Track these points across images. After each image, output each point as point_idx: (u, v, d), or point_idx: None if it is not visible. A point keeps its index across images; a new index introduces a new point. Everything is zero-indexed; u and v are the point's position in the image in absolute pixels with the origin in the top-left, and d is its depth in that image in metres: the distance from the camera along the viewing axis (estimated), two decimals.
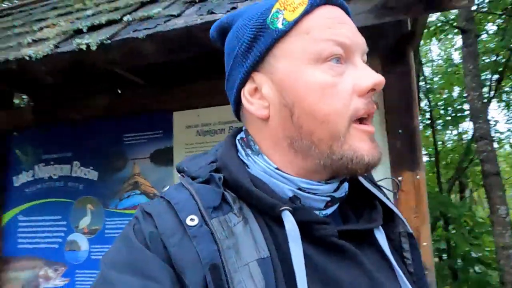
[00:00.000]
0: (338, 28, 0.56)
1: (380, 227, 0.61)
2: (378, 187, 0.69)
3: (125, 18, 1.51)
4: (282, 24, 0.56)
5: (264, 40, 0.57)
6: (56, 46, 1.47)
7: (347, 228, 0.58)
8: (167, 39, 1.30)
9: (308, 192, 0.58)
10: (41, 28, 1.77)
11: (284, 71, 0.57)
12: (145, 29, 1.36)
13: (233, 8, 1.28)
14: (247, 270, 0.49)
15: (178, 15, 1.38)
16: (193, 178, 0.59)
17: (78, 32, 1.55)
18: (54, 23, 1.75)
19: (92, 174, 2.43)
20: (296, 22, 0.56)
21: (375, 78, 0.55)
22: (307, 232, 0.54)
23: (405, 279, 0.57)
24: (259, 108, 0.59)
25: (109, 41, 1.36)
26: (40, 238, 2.49)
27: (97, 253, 2.34)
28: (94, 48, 1.36)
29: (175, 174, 2.20)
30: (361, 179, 0.65)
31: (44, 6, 2.53)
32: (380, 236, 0.60)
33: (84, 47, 1.37)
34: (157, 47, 1.34)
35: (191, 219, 0.52)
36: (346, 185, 0.63)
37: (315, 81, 0.55)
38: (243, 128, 0.66)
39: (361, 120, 0.57)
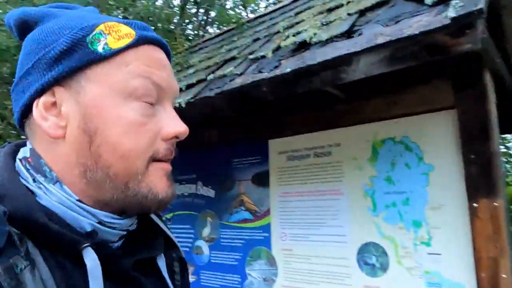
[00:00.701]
0: (159, 70, 0.58)
1: (162, 255, 0.64)
2: (158, 216, 0.71)
3: (208, 77, 1.93)
4: (103, 49, 0.55)
5: (79, 58, 0.54)
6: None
7: (136, 258, 0.59)
8: (229, 96, 1.67)
9: (108, 226, 0.56)
10: None
11: (94, 96, 0.55)
12: (217, 87, 1.76)
13: (276, 67, 1.56)
14: None
15: (241, 74, 1.73)
16: None
17: (180, 91, 2.05)
18: None
19: (211, 192, 2.97)
20: (119, 52, 0.56)
21: (181, 128, 0.59)
22: (105, 268, 0.52)
23: None
24: (53, 127, 0.55)
25: (192, 100, 1.80)
26: (178, 242, 3.16)
27: (215, 258, 2.85)
28: (183, 105, 1.82)
29: (271, 195, 2.55)
30: None
31: None
32: (162, 263, 0.63)
33: (177, 105, 1.84)
34: (225, 102, 1.71)
35: None
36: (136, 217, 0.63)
37: (125, 116, 0.55)
38: (29, 148, 0.58)
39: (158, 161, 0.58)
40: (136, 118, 0.55)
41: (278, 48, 1.72)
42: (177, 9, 4.73)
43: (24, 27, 0.59)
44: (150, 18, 3.32)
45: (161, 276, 0.63)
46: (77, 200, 0.54)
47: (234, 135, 2.81)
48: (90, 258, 0.50)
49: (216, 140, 2.91)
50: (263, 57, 1.75)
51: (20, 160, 0.57)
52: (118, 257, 0.57)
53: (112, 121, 0.54)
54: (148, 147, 0.56)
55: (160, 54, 0.60)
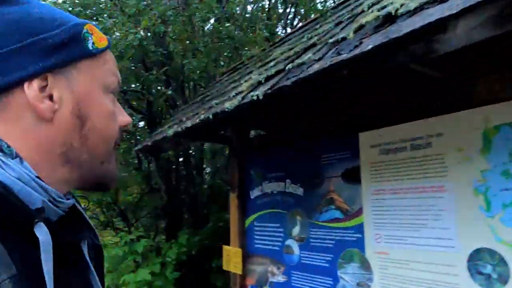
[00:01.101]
0: (117, 70, 0.70)
1: (86, 241, 0.67)
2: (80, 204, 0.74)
3: (287, 67, 1.83)
4: (92, 47, 0.64)
5: (76, 51, 0.61)
6: (243, 98, 1.94)
7: (71, 239, 0.63)
8: (307, 83, 1.54)
9: (55, 205, 0.58)
10: (246, 81, 2.33)
11: (86, 87, 0.62)
12: (294, 76, 1.65)
13: (356, 46, 1.39)
14: None
15: (319, 59, 1.59)
16: None
17: (259, 84, 1.99)
18: (253, 76, 2.28)
19: (299, 190, 2.86)
20: (102, 51, 0.66)
21: (130, 119, 0.71)
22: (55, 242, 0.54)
23: (99, 283, 0.67)
24: (48, 109, 0.58)
25: (269, 91, 1.72)
26: (267, 241, 3.12)
27: (306, 258, 2.73)
28: (261, 97, 1.75)
29: (363, 192, 2.34)
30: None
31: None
32: (85, 249, 0.66)
33: (255, 97, 1.78)
34: (302, 90, 1.60)
35: None
36: None
37: (106, 106, 0.65)
38: None
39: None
40: (112, 108, 0.66)
41: (361, 27, 1.54)
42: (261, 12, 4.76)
43: None
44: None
45: (83, 260, 0.66)
46: (36, 177, 0.56)
47: (322, 129, 2.65)
48: (42, 233, 0.52)
49: (303, 135, 2.79)
50: (343, 39, 1.59)
51: None
52: (61, 235, 0.58)
53: (98, 110, 0.64)
54: (117, 133, 0.67)
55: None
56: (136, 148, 3.30)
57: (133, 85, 4.52)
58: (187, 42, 3.32)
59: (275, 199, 3.08)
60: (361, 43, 1.39)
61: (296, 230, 2.84)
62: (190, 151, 5.27)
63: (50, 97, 0.59)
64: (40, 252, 0.51)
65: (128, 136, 5.40)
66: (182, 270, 4.29)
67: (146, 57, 3.71)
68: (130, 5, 2.83)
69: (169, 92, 3.78)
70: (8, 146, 0.56)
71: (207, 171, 6.06)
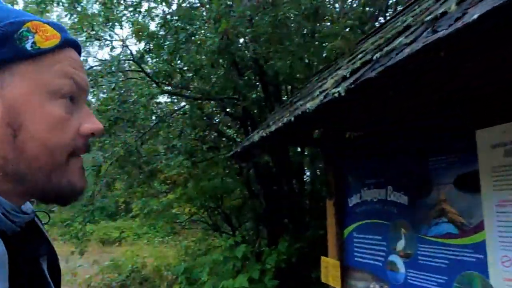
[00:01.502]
0: (79, 71, 0.62)
1: (45, 257, 0.65)
2: (41, 222, 0.73)
3: (374, 57, 1.56)
4: (32, 48, 0.56)
5: (6, 52, 0.55)
6: (325, 96, 1.73)
7: (28, 254, 0.59)
8: (393, 72, 1.26)
9: (10, 219, 0.56)
10: (332, 77, 2.10)
11: (22, 92, 0.56)
12: (380, 65, 1.38)
13: (458, 19, 1.08)
14: None
15: (411, 42, 1.30)
16: None
17: (343, 79, 1.76)
18: (339, 71, 2.04)
19: (403, 199, 2.49)
20: (47, 52, 0.58)
21: (98, 125, 0.62)
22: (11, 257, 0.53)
23: None
24: None
25: (352, 85, 1.48)
26: (368, 254, 2.80)
27: (413, 278, 2.36)
28: (343, 93, 1.52)
29: (484, 203, 1.90)
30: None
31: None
32: (45, 265, 0.64)
33: (336, 94, 1.56)
34: (389, 81, 1.32)
35: None
36: None
37: (51, 113, 0.57)
38: None
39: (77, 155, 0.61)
40: (61, 114, 0.58)
41: None
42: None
43: None
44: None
45: (44, 277, 0.64)
46: None
47: (428, 126, 2.26)
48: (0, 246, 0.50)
49: (406, 134, 2.42)
50: (443, 14, 1.26)
51: None
52: (17, 250, 0.55)
53: (38, 117, 0.56)
54: (70, 142, 0.59)
55: (78, 58, 0.64)
56: (228, 155, 3.30)
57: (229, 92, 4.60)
58: (274, 43, 3.21)
59: (375, 208, 2.75)
60: (464, 14, 1.07)
61: (400, 245, 2.47)
62: (289, 155, 5.15)
63: None
64: None
65: (230, 143, 5.55)
66: (281, 278, 4.18)
67: (237, 62, 3.73)
68: (211, 9, 2.84)
69: (253, 96, 3.72)
70: None
71: (308, 176, 5.88)
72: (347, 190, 3.07)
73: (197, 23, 3.12)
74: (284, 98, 4.73)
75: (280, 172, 5.11)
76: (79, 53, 0.66)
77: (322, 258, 3.20)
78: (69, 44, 0.62)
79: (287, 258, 4.29)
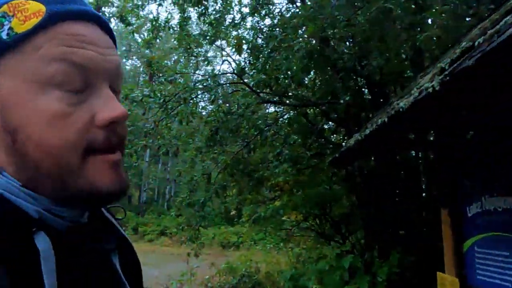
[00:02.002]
0: (81, 47, 0.48)
1: (117, 252, 0.60)
2: (113, 216, 0.68)
3: (476, 42, 1.35)
4: (8, 35, 0.47)
5: None
6: (420, 93, 1.56)
7: (89, 250, 0.55)
8: (493, 57, 1.06)
9: (56, 215, 0.52)
10: (430, 72, 1.89)
11: (9, 91, 0.48)
12: (480, 51, 1.18)
13: None
14: None
15: None
16: None
17: (441, 71, 1.55)
18: (439, 64, 1.82)
19: None
20: (27, 36, 0.47)
21: (115, 112, 0.49)
22: (57, 256, 0.48)
23: None
24: None
25: (446, 78, 1.30)
26: (495, 273, 2.40)
27: None
28: (437, 87, 1.35)
29: None
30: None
31: None
32: (116, 260, 0.59)
33: (430, 90, 1.39)
34: (487, 69, 1.11)
35: None
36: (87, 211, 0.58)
37: (45, 109, 0.47)
38: None
39: (103, 151, 0.50)
40: (58, 108, 0.48)
41: None
42: None
43: None
44: None
45: (115, 272, 0.59)
46: (21, 186, 0.49)
47: None
48: (43, 242, 0.47)
49: None
50: None
51: None
52: (69, 247, 0.52)
53: (32, 116, 0.48)
54: (78, 139, 0.49)
55: (85, 30, 0.50)
56: (328, 160, 3.20)
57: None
58: (372, 40, 3.02)
59: (502, 219, 2.35)
60: None
61: None
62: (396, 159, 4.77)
63: None
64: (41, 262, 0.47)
65: (335, 148, 5.40)
66: None
67: (334, 65, 3.61)
68: (299, 15, 2.81)
69: (355, 99, 3.53)
70: None
71: (423, 181, 5.35)
72: (465, 198, 2.70)
73: (288, 30, 3.12)
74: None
75: (389, 178, 4.77)
76: (101, 25, 0.54)
77: (438, 274, 2.85)
78: (64, 16, 0.49)
79: (400, 271, 3.95)
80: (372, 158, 4.65)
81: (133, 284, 0.63)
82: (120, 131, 0.53)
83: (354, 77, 4.24)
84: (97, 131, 0.50)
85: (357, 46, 3.27)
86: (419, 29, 2.75)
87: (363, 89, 4.77)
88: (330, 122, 5.49)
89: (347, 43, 3.37)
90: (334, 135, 6.28)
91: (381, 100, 4.44)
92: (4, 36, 0.47)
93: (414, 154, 4.93)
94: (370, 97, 4.68)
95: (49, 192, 0.50)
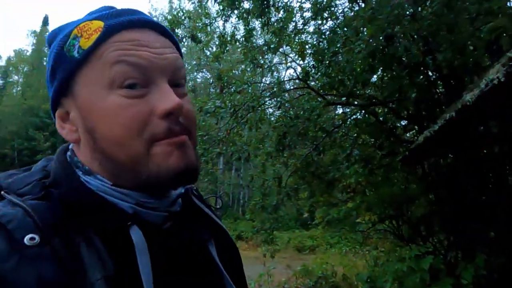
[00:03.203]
0: (135, 50, 0.56)
1: (212, 241, 0.65)
2: (207, 205, 0.72)
3: None
4: (78, 53, 0.56)
5: (63, 69, 0.58)
6: (487, 85, 1.54)
7: (184, 240, 0.61)
8: None
9: (148, 208, 0.59)
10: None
11: (85, 97, 0.57)
12: None
13: None
14: None
15: None
16: (20, 196, 0.55)
17: (510, 60, 1.51)
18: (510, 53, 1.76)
19: None
20: (91, 50, 0.56)
21: (169, 103, 0.55)
22: (153, 247, 0.54)
23: (232, 284, 0.63)
24: (69, 133, 0.61)
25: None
26: None
27: None
28: (502, 79, 1.34)
29: None
30: (193, 197, 0.68)
31: None
32: (213, 249, 0.64)
33: (496, 81, 1.38)
34: None
35: (31, 238, 0.49)
36: (179, 200, 0.65)
37: (110, 106, 0.55)
38: (69, 147, 0.65)
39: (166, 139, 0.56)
40: (121, 103, 0.55)
41: None
42: None
43: (49, 46, 0.66)
44: None
45: (212, 261, 0.64)
46: (112, 185, 0.58)
47: None
48: (137, 235, 0.54)
49: None
50: None
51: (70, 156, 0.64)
52: (165, 238, 0.59)
53: (102, 115, 0.56)
54: (141, 129, 0.55)
55: (138, 35, 0.58)
56: (398, 158, 3.14)
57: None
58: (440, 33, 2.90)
59: None
60: None
61: None
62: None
63: (70, 120, 0.61)
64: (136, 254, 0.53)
65: (406, 145, 5.21)
66: None
67: (400, 62, 3.52)
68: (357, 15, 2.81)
69: (413, 95, 3.40)
70: (83, 165, 0.60)
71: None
72: None
73: (348, 32, 3.14)
74: None
75: (472, 174, 4.47)
76: (158, 30, 0.62)
77: None
78: (119, 28, 0.58)
79: (488, 274, 3.68)
80: (450, 155, 4.42)
81: (233, 271, 0.67)
82: (183, 120, 0.58)
83: (424, 71, 4.08)
84: (158, 122, 0.56)
85: (423, 41, 3.17)
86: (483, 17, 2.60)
87: (435, 84, 4.56)
88: (402, 120, 5.30)
89: (412, 39, 3.28)
90: (408, 134, 6.04)
91: (456, 94, 4.20)
92: (76, 54, 0.57)
93: (498, 149, 4.57)
94: (443, 92, 4.46)
95: (130, 184, 0.58)
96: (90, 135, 0.58)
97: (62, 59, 0.58)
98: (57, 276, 0.48)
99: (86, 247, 0.51)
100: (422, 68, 3.97)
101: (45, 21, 46.28)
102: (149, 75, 0.57)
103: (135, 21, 0.59)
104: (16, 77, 45.26)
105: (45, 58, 44.77)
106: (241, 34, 4.90)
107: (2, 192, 0.55)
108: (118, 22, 0.58)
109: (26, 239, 0.48)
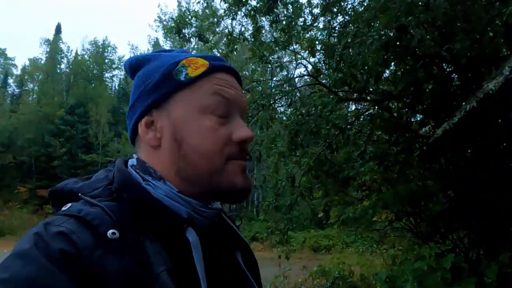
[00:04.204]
0: (226, 88, 0.72)
1: (239, 251, 0.78)
2: (232, 221, 0.85)
3: None
4: (185, 78, 0.71)
5: (167, 86, 0.71)
6: (511, 71, 1.44)
7: (221, 246, 0.74)
8: None
9: (199, 214, 0.70)
10: None
11: (181, 113, 0.70)
12: None
13: None
14: (161, 280, 0.58)
15: None
16: (93, 198, 0.65)
17: None
18: None
19: None
20: (196, 79, 0.71)
21: (246, 134, 0.71)
22: (204, 246, 0.65)
23: None
24: (152, 138, 0.72)
25: None
26: None
27: None
28: None
29: None
30: (222, 214, 0.81)
31: None
32: (240, 258, 0.76)
33: None
34: None
35: (113, 233, 0.59)
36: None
37: (202, 126, 0.69)
38: (134, 156, 0.76)
39: (237, 159, 0.70)
40: (210, 125, 0.70)
41: None
42: None
43: (134, 69, 0.79)
44: None
45: (239, 267, 0.75)
46: (178, 192, 0.69)
47: None
48: (192, 235, 0.65)
49: None
50: None
51: (131, 166, 0.74)
52: (208, 241, 0.68)
53: (193, 131, 0.69)
54: (222, 148, 0.69)
55: (229, 78, 0.75)
56: (415, 154, 3.02)
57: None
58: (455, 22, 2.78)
59: None
60: None
61: None
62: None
63: (156, 129, 0.73)
64: (192, 252, 0.63)
65: (422, 141, 5.06)
66: None
67: (415, 54, 3.40)
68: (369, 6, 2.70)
69: (429, 87, 3.27)
70: (155, 171, 0.71)
71: None
72: None
73: (360, 24, 3.03)
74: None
75: (493, 169, 4.30)
76: (235, 76, 0.78)
77: None
78: (218, 69, 0.74)
79: None
80: (469, 150, 4.27)
81: (255, 281, 0.77)
82: (246, 147, 0.74)
83: (439, 64, 3.95)
84: (233, 145, 0.71)
85: (438, 30, 3.05)
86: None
87: (451, 76, 4.41)
88: (417, 115, 5.16)
89: (426, 30, 3.15)
90: (424, 129, 5.88)
91: (473, 86, 4.06)
92: (183, 78, 0.71)
93: None
94: (459, 85, 4.31)
95: (198, 189, 0.70)
96: (177, 144, 0.70)
97: (168, 79, 0.71)
98: (133, 266, 0.57)
99: (149, 243, 0.61)
100: (437, 61, 3.84)
101: (58, 29, 47.09)
102: (231, 109, 0.73)
103: (228, 67, 0.76)
104: (31, 85, 46.18)
105: (58, 66, 46.13)
106: (250, 33, 4.84)
107: (80, 194, 0.66)
108: (219, 65, 0.74)
109: (109, 233, 0.58)
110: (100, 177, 0.73)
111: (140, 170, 0.71)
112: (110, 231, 0.59)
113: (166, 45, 40.98)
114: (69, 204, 0.64)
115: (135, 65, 0.79)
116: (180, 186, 0.70)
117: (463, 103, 2.78)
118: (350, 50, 3.36)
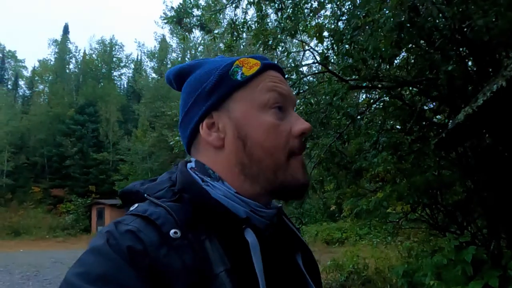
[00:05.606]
0: (280, 84, 0.75)
1: (300, 254, 0.77)
2: (292, 223, 0.84)
3: None
4: (241, 77, 0.73)
5: (226, 87, 0.73)
6: None
7: (280, 248, 0.74)
8: None
9: (257, 215, 0.70)
10: None
11: (241, 112, 0.72)
12: None
13: None
14: (220, 279, 0.58)
15: None
16: (157, 199, 0.67)
17: None
18: None
19: None
20: (252, 77, 0.73)
21: (306, 125, 0.73)
22: (262, 247, 0.64)
23: None
24: (216, 139, 0.73)
25: None
26: None
27: None
28: None
29: None
30: (282, 215, 0.81)
31: None
32: (300, 261, 0.76)
33: None
34: None
35: (175, 232, 0.61)
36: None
37: (264, 122, 0.70)
38: (192, 160, 0.77)
39: (297, 154, 0.72)
40: (272, 121, 0.71)
41: None
42: None
43: (180, 78, 0.80)
44: None
45: (299, 269, 0.74)
46: (235, 193, 0.70)
47: None
48: (251, 236, 0.64)
49: None
50: None
51: (190, 169, 0.75)
52: (270, 242, 0.69)
53: (256, 127, 0.70)
54: (285, 143, 0.70)
55: (279, 74, 0.77)
56: (433, 142, 2.84)
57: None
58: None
59: None
60: None
61: None
62: None
63: (218, 129, 0.73)
64: (251, 253, 0.63)
65: (440, 130, 4.86)
66: None
67: (430, 36, 3.20)
68: None
69: (449, 68, 3.06)
70: (213, 172, 0.72)
71: None
72: None
73: (371, 3, 2.85)
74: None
75: None
76: (281, 73, 0.80)
77: None
78: (269, 67, 0.76)
79: None
80: (487, 135, 4.06)
81: (315, 284, 0.77)
82: (304, 141, 0.75)
83: (454, 47, 3.74)
84: (294, 139, 0.71)
85: (455, 7, 2.84)
86: None
87: (467, 60, 4.20)
88: (431, 102, 4.95)
89: (442, 6, 2.95)
90: (437, 117, 5.67)
91: (490, 69, 3.85)
92: (239, 77, 0.73)
93: None
94: (475, 68, 4.10)
95: (261, 187, 0.70)
96: (242, 142, 0.71)
97: (226, 80, 0.73)
98: (195, 264, 0.59)
99: (209, 243, 0.62)
100: (450, 45, 3.62)
101: (66, 30, 47.40)
102: (286, 104, 0.74)
103: (276, 65, 0.79)
104: (41, 86, 46.64)
105: (67, 66, 46.50)
106: (254, 20, 4.66)
107: (146, 195, 0.68)
108: (269, 63, 0.76)
109: (171, 233, 0.60)
110: (164, 179, 0.75)
111: (199, 172, 0.73)
112: (173, 231, 0.61)
113: (173, 41, 40.87)
114: (136, 205, 0.67)
115: (180, 74, 0.80)
116: (242, 186, 0.71)
117: (485, 85, 2.58)
118: (362, 33, 3.17)
